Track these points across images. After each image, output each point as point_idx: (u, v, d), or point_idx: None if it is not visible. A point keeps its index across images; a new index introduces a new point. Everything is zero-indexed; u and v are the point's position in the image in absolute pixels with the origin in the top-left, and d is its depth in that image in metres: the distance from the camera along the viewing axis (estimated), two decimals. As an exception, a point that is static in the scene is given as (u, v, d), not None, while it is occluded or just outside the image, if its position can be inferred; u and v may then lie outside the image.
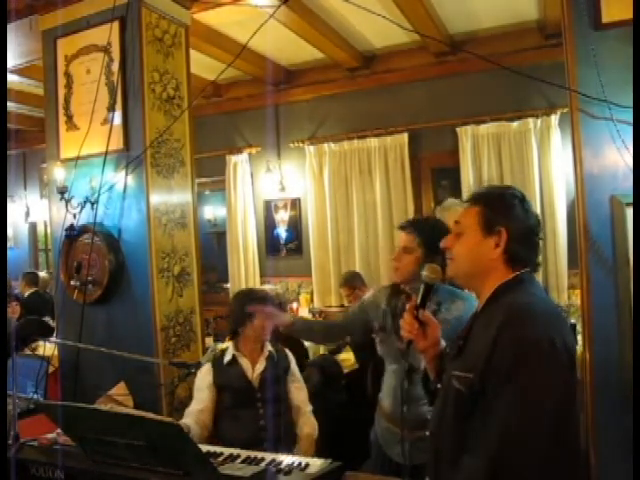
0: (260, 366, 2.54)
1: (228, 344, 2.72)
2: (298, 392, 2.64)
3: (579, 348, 2.58)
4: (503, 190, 1.48)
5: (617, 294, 2.20)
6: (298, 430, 2.57)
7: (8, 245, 7.08)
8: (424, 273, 1.61)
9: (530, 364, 1.23)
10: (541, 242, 1.46)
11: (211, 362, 2.60)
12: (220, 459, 1.86)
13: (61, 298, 3.27)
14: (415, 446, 1.95)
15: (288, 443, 2.45)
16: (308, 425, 2.58)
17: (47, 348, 3.12)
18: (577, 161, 2.29)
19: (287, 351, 2.72)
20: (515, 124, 4.89)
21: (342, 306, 5.24)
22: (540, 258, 1.46)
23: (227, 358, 2.56)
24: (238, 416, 2.49)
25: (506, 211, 1.40)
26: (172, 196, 3.17)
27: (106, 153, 3.01)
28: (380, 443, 2.25)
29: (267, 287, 3.96)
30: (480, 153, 5.01)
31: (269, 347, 2.61)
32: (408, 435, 2.00)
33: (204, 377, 2.54)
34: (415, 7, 4.00)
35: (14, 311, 4.72)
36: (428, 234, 2.05)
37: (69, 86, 3.25)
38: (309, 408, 2.64)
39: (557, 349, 1.24)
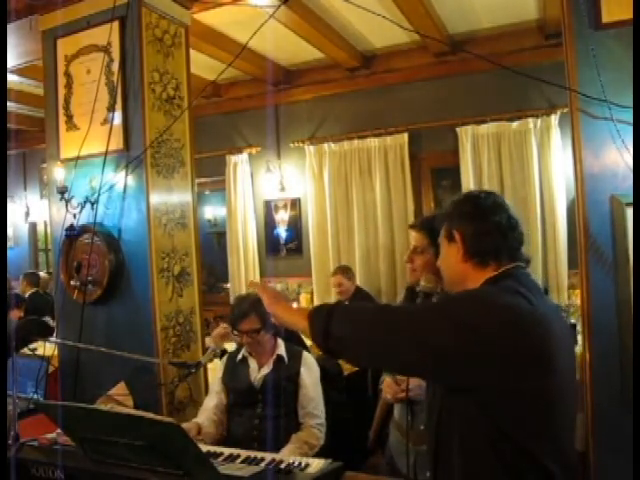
0: (266, 369, 2.51)
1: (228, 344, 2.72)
2: (305, 401, 2.49)
3: (579, 348, 2.58)
4: (461, 197, 1.53)
5: (617, 294, 2.20)
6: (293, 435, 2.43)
7: (8, 245, 7.08)
8: (421, 283, 1.64)
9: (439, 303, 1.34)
10: (516, 234, 1.43)
11: (226, 356, 2.63)
12: (220, 459, 1.87)
13: (61, 298, 3.27)
14: (421, 460, 1.88)
15: (279, 445, 2.34)
16: (303, 437, 2.41)
17: (47, 348, 3.12)
18: (577, 161, 2.29)
19: (306, 356, 2.60)
20: (515, 124, 4.89)
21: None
22: (528, 252, 1.47)
23: (238, 357, 2.58)
24: (240, 414, 2.49)
25: (458, 215, 1.46)
26: (172, 196, 3.17)
27: (106, 153, 3.01)
28: (392, 452, 2.19)
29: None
30: (480, 153, 5.00)
31: (281, 350, 2.55)
32: (413, 447, 1.95)
33: (217, 371, 2.59)
34: (415, 7, 4.00)
35: (15, 315, 4.72)
36: (438, 233, 2.01)
37: (69, 86, 3.25)
38: (315, 421, 2.46)
39: (472, 324, 1.24)
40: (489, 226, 1.41)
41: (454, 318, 1.26)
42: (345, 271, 4.83)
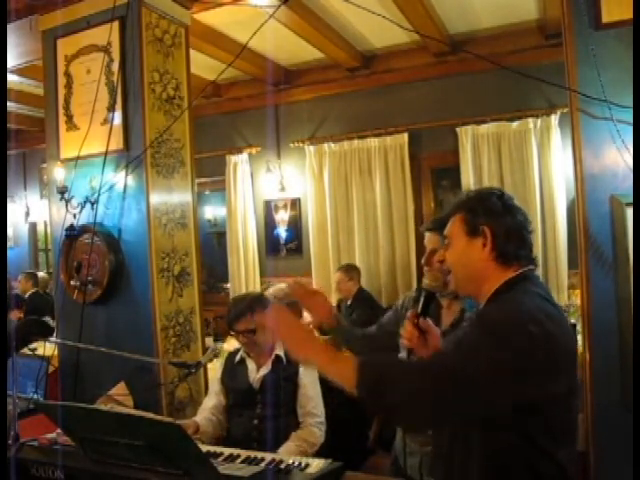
0: (265, 369, 2.49)
1: (228, 344, 2.71)
2: (304, 400, 2.47)
3: (579, 348, 2.58)
4: (480, 191, 1.48)
5: (617, 294, 2.20)
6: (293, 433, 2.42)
7: (8, 245, 7.08)
8: (425, 281, 1.62)
9: (485, 330, 1.24)
10: (533, 236, 1.44)
11: (225, 357, 2.62)
12: (220, 459, 1.87)
13: (61, 298, 3.27)
14: (427, 461, 1.87)
15: (279, 445, 2.32)
16: (302, 435, 2.39)
17: (47, 348, 3.12)
18: (577, 161, 2.29)
19: None
20: (515, 124, 4.89)
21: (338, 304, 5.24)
22: (534, 253, 1.44)
23: (237, 358, 2.58)
24: (239, 414, 2.49)
25: (486, 210, 1.40)
26: (172, 196, 3.17)
27: (106, 153, 3.01)
28: (396, 453, 2.15)
29: (278, 286, 3.87)
30: (480, 153, 5.00)
31: (279, 350, 2.53)
32: (419, 448, 1.94)
33: (216, 371, 2.58)
34: (415, 7, 4.00)
35: (15, 316, 4.73)
36: None
37: (69, 86, 3.25)
38: (314, 420, 2.44)
39: (523, 336, 1.20)
40: (516, 225, 1.39)
41: (501, 345, 1.20)
42: (347, 271, 4.80)
